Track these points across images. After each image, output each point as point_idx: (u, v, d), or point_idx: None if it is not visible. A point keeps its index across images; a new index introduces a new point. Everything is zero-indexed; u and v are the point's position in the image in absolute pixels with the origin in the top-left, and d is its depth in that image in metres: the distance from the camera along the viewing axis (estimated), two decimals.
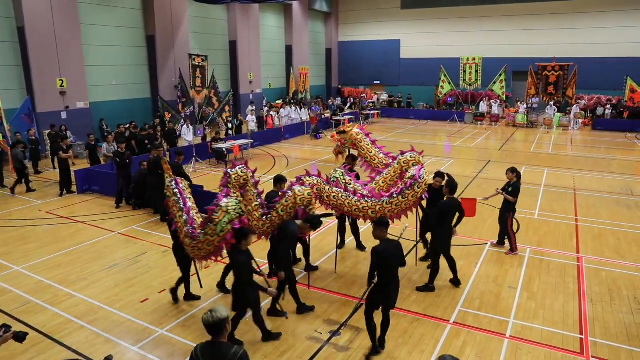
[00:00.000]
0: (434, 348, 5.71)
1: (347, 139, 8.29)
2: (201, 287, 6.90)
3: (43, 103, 17.13)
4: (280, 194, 6.46)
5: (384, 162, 7.84)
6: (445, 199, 7.17)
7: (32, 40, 16.53)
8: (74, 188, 12.72)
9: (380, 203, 6.52)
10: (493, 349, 5.71)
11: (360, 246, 8.72)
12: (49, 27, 16.95)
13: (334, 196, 6.62)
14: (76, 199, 12.26)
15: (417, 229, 7.82)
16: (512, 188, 8.26)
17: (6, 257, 8.43)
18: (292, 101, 27.74)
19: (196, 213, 6.21)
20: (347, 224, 8.54)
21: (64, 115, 17.74)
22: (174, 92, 21.00)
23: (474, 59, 27.66)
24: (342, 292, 7.08)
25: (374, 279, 5.30)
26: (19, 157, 12.72)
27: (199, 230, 5.73)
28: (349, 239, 8.89)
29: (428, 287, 7.10)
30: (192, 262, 6.57)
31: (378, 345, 5.60)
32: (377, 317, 5.59)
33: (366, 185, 7.38)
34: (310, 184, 6.53)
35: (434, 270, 7.12)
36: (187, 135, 16.74)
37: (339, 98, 34.48)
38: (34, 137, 15.02)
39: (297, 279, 6.66)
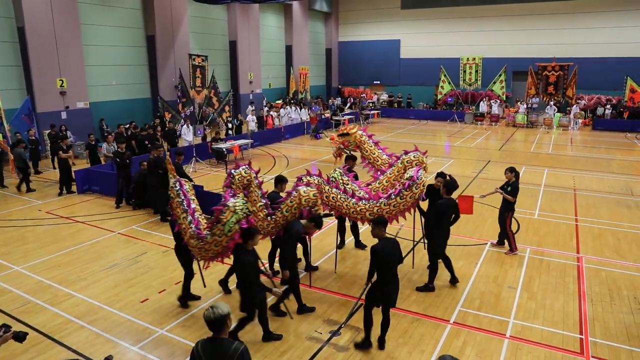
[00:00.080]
0: (434, 348, 5.71)
1: (350, 141, 8.30)
2: (204, 286, 6.91)
3: (43, 103, 17.13)
4: (285, 194, 6.47)
5: (388, 162, 7.86)
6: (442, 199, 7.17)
7: (32, 40, 16.53)
8: (74, 188, 12.72)
9: (378, 204, 6.54)
10: (493, 349, 5.71)
11: (359, 244, 8.73)
12: (49, 27, 16.95)
13: (332, 197, 6.64)
14: (76, 199, 12.26)
15: (414, 229, 7.83)
16: (511, 188, 8.26)
17: (6, 257, 8.43)
18: (292, 101, 27.74)
19: (200, 214, 6.20)
20: (347, 224, 8.55)
21: (64, 115, 17.74)
22: (174, 92, 21.01)
23: (474, 59, 27.67)
24: (342, 292, 7.08)
25: (373, 277, 5.34)
26: (22, 156, 12.74)
27: (205, 231, 5.73)
28: (349, 239, 8.90)
29: (428, 287, 7.11)
30: (194, 262, 6.57)
31: (373, 342, 5.63)
32: (377, 316, 5.60)
33: (369, 185, 7.40)
34: (314, 184, 6.55)
35: (433, 270, 7.13)
36: (187, 135, 16.74)
37: (339, 98, 34.48)
38: (33, 137, 15.02)
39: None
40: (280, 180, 7.25)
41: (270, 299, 6.39)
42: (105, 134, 15.07)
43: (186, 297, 6.73)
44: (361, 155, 8.34)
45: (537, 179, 14.12)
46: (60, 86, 17.61)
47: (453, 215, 7.10)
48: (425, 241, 8.28)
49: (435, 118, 29.43)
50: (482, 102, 28.84)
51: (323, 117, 26.07)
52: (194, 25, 24.22)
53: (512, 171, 8.34)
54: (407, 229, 8.11)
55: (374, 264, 5.33)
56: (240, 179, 6.15)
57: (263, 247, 7.67)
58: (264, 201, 6.37)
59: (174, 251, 6.76)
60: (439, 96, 29.10)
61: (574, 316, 6.46)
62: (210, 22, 25.57)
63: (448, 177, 7.30)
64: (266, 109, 25.46)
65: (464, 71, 27.92)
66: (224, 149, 15.90)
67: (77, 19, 18.10)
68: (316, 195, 6.35)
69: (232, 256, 5.91)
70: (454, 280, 7.27)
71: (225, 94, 18.38)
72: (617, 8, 27.33)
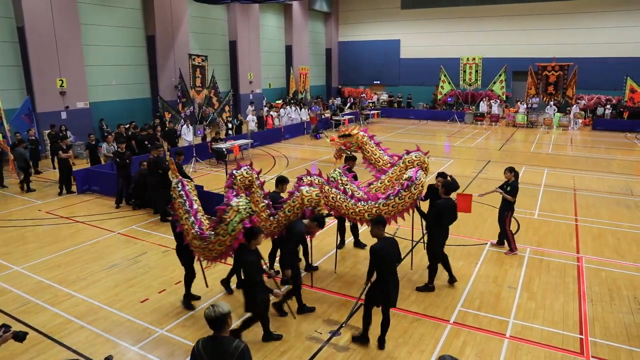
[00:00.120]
0: (434, 348, 5.72)
1: (352, 142, 8.31)
2: (207, 286, 6.91)
3: (43, 103, 17.13)
4: (287, 194, 6.48)
5: (390, 162, 7.87)
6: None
7: (32, 40, 16.53)
8: (73, 188, 12.72)
9: (376, 205, 6.55)
10: (493, 349, 5.71)
11: (358, 243, 8.74)
12: (48, 27, 16.95)
13: (332, 197, 6.65)
14: (76, 199, 12.26)
15: (412, 229, 7.83)
16: (511, 187, 8.26)
17: (6, 257, 8.43)
18: (292, 101, 27.74)
19: (202, 215, 6.19)
20: (347, 224, 8.54)
21: (63, 115, 17.74)
22: (174, 92, 21.00)
23: (474, 59, 27.66)
24: (342, 292, 7.08)
25: (372, 277, 5.36)
26: (23, 156, 12.75)
27: (209, 231, 5.73)
28: (349, 239, 8.90)
29: (428, 287, 7.11)
30: (196, 263, 6.57)
31: (372, 342, 5.65)
32: (377, 316, 5.61)
33: (370, 184, 7.40)
34: (316, 184, 6.55)
35: (433, 270, 7.13)
36: (187, 135, 16.74)
37: (339, 98, 34.47)
38: (33, 137, 15.01)
39: None
40: (281, 181, 7.26)
41: (272, 299, 6.39)
42: (105, 134, 15.07)
43: (189, 297, 6.73)
44: (363, 156, 8.35)
45: (537, 179, 14.12)
46: (60, 86, 17.61)
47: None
48: (425, 241, 8.30)
49: (435, 118, 29.42)
50: (482, 102, 28.84)
51: (323, 117, 26.06)
52: (194, 25, 24.22)
53: (512, 171, 8.35)
54: (406, 229, 8.11)
55: (373, 263, 5.37)
56: (241, 179, 6.16)
57: (263, 248, 7.68)
58: (266, 202, 6.39)
59: (174, 251, 6.76)
60: (439, 96, 29.09)
61: (574, 316, 6.46)
62: (210, 22, 25.57)
63: (449, 178, 7.30)
64: (266, 109, 25.45)
65: (464, 71, 27.91)
66: (224, 149, 15.90)
67: (77, 19, 18.10)
68: (319, 195, 6.36)
69: (232, 256, 5.91)
70: (451, 280, 7.27)
71: (225, 94, 18.38)
72: (617, 8, 27.33)
